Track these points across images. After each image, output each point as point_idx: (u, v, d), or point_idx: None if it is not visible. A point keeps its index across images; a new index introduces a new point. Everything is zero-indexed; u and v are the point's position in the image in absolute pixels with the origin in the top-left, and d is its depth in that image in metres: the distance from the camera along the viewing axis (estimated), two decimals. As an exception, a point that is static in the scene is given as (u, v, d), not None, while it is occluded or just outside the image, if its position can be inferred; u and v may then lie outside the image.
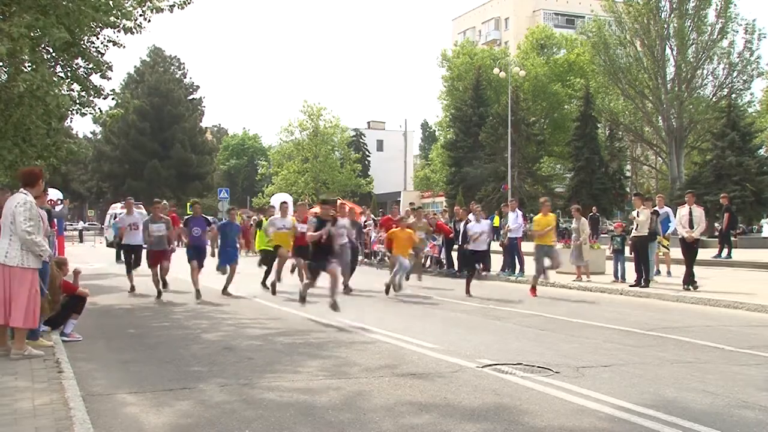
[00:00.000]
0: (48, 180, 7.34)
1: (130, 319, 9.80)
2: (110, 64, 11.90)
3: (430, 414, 4.77)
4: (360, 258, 16.92)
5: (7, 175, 12.37)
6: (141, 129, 59.54)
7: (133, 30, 11.08)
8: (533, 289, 12.24)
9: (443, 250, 17.40)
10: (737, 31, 39.23)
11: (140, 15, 11.07)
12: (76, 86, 11.92)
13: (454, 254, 17.42)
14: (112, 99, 13.13)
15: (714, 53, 39.61)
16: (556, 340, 7.63)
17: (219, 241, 12.62)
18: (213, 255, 12.48)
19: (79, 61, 11.77)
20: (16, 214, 6.26)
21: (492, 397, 5.19)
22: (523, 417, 4.69)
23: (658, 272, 14.47)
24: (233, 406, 4.96)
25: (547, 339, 7.74)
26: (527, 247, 14.95)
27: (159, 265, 11.85)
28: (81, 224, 58.65)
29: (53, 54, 11.49)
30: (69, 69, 11.92)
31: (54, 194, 18.34)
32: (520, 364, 6.30)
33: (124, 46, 12.00)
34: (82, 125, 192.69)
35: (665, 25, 39.92)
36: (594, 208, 31.39)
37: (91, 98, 12.06)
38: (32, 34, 9.41)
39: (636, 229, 12.76)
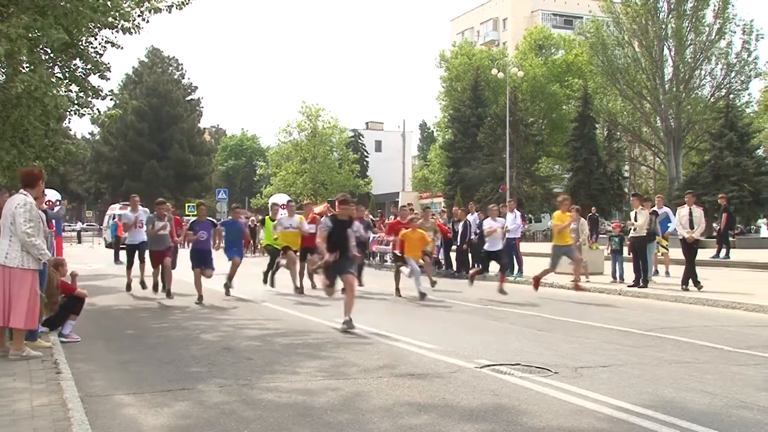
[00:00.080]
0: (46, 181, 7.31)
1: (129, 319, 9.79)
2: (108, 65, 11.91)
3: (428, 414, 4.77)
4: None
5: (5, 176, 12.38)
6: (139, 130, 59.51)
7: (132, 30, 11.06)
8: (537, 281, 12.13)
9: (441, 250, 17.42)
10: (735, 32, 39.37)
11: (138, 15, 11.06)
12: (74, 87, 11.94)
13: (453, 255, 17.47)
14: (111, 100, 13.14)
15: (712, 54, 39.69)
16: (555, 341, 7.63)
17: (223, 239, 12.37)
18: (216, 249, 12.21)
19: (78, 61, 11.79)
20: (16, 215, 6.26)
21: (490, 398, 5.20)
22: (522, 417, 4.69)
23: (657, 272, 14.49)
24: (232, 407, 4.96)
25: (545, 339, 7.74)
26: (526, 247, 14.95)
27: (161, 264, 11.68)
28: (79, 225, 58.60)
29: (51, 55, 11.49)
30: (67, 70, 11.93)
31: (52, 195, 18.33)
32: (519, 364, 6.31)
33: (122, 47, 12.01)
34: (80, 126, 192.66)
35: (663, 26, 40.00)
36: (593, 208, 31.42)
37: (89, 99, 12.07)
38: (30, 35, 9.41)
39: (634, 230, 12.78)
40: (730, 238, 19.98)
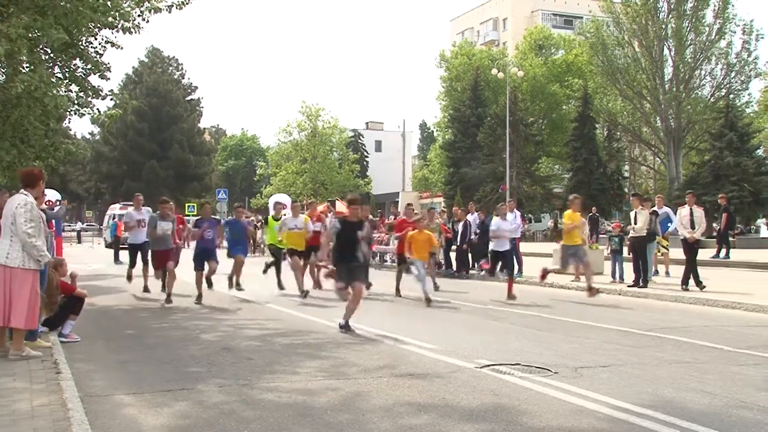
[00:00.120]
0: (46, 181, 7.30)
1: (129, 319, 9.79)
2: (108, 65, 11.90)
3: (428, 414, 4.77)
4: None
5: (5, 176, 12.37)
6: (139, 130, 59.52)
7: (132, 30, 11.05)
8: (544, 273, 12.27)
9: (441, 250, 17.40)
10: (735, 32, 39.35)
11: (138, 15, 11.06)
12: (74, 87, 11.93)
13: (453, 254, 17.47)
14: (111, 100, 13.13)
15: (712, 54, 39.68)
16: (555, 341, 7.63)
17: (226, 237, 12.28)
18: (219, 246, 12.03)
19: (78, 61, 11.78)
20: (16, 215, 6.25)
21: (490, 398, 5.20)
22: (522, 417, 4.69)
23: (656, 272, 14.49)
24: (232, 407, 4.96)
25: (545, 339, 7.74)
26: (526, 247, 14.93)
27: (164, 267, 11.38)
28: (79, 225, 58.60)
29: (51, 55, 11.49)
30: (67, 70, 11.93)
31: (52, 195, 18.31)
32: (519, 364, 6.31)
33: (121, 48, 12.00)
34: (80, 126, 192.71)
35: (663, 26, 39.99)
36: (593, 208, 31.44)
37: (89, 99, 12.06)
38: (30, 35, 9.41)
39: (634, 230, 12.77)
40: (730, 238, 19.98)
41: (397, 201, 49.78)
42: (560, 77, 49.25)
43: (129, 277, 12.60)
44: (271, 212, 15.65)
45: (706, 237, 18.96)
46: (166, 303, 10.94)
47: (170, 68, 65.37)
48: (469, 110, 48.34)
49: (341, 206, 31.24)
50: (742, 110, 39.55)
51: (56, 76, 11.67)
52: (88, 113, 12.41)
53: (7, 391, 5.10)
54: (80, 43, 11.46)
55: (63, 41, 9.68)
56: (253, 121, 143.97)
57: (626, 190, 43.89)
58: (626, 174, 48.50)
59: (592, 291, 11.31)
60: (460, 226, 16.55)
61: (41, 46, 10.77)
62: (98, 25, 10.91)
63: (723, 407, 4.96)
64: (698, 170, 37.08)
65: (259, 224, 24.27)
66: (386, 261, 19.52)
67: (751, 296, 10.95)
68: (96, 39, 11.76)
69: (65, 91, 11.63)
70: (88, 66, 11.71)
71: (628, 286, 12.62)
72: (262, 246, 23.95)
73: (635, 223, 12.74)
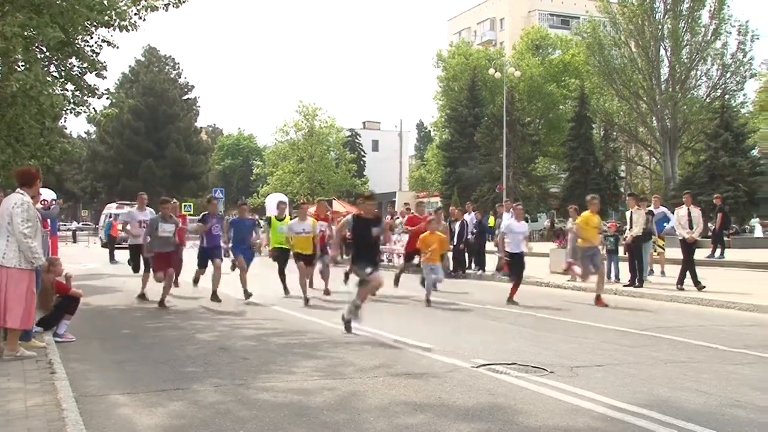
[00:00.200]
0: (42, 180, 7.27)
1: (124, 319, 9.76)
2: (105, 64, 11.89)
3: (424, 414, 4.77)
4: None
5: (0, 175, 12.33)
6: (135, 129, 59.36)
7: (128, 27, 11.02)
8: (599, 299, 10.85)
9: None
10: (731, 33, 39.55)
11: (135, 14, 11.04)
12: (70, 86, 11.89)
13: (450, 254, 17.44)
14: (107, 98, 13.12)
15: (708, 54, 39.83)
16: (552, 340, 7.64)
17: (231, 237, 11.78)
18: (225, 243, 11.79)
19: (74, 60, 11.76)
20: (13, 215, 6.22)
21: (486, 397, 5.20)
22: (518, 417, 4.70)
23: (652, 272, 14.53)
24: (227, 407, 4.95)
25: (542, 339, 7.75)
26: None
27: (165, 271, 10.68)
28: (75, 224, 58.43)
29: (47, 53, 11.47)
30: (63, 68, 11.90)
31: (47, 194, 18.24)
32: (515, 363, 6.31)
33: (117, 47, 11.98)
34: (76, 125, 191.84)
35: (659, 26, 40.11)
36: (591, 208, 31.42)
37: (85, 98, 12.04)
38: (26, 34, 9.41)
39: (630, 230, 12.80)
40: (725, 238, 20.04)
41: (394, 201, 49.71)
42: (557, 77, 49.33)
43: (144, 283, 11.72)
44: (270, 212, 15.35)
45: (702, 237, 19.02)
46: (160, 305, 10.67)
47: (167, 67, 65.24)
48: (466, 110, 48.38)
49: (339, 206, 31.30)
50: (737, 111, 39.70)
51: (52, 75, 11.65)
52: (84, 112, 12.37)
53: (1, 392, 5.08)
54: (76, 41, 11.43)
55: (59, 40, 9.67)
56: (249, 120, 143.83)
57: (622, 190, 44.02)
58: (622, 174, 48.65)
59: (600, 301, 10.81)
60: (456, 226, 16.55)
61: (37, 45, 10.75)
62: (94, 23, 10.90)
63: (718, 406, 4.98)
64: (694, 170, 37.21)
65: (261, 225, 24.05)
66: (391, 261, 18.93)
67: (746, 296, 10.99)
68: (92, 38, 11.76)
69: (61, 90, 11.60)
70: (84, 65, 11.69)
71: (624, 286, 12.65)
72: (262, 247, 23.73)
73: (631, 223, 12.76)
